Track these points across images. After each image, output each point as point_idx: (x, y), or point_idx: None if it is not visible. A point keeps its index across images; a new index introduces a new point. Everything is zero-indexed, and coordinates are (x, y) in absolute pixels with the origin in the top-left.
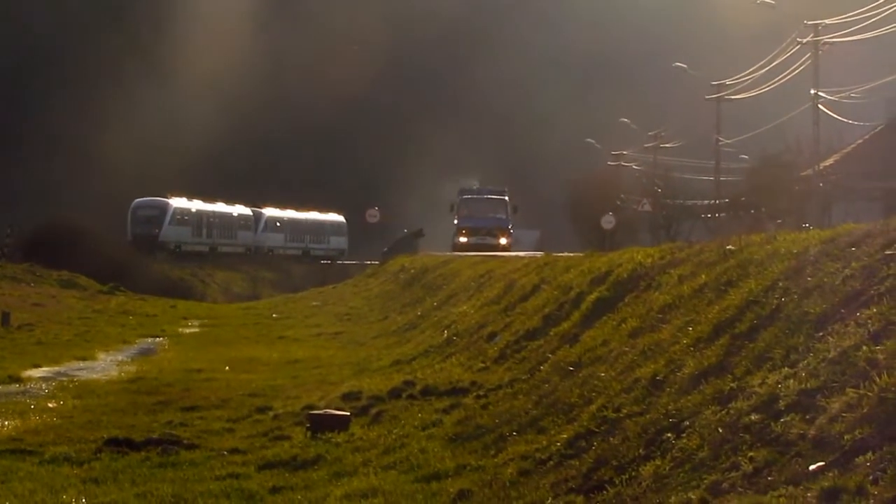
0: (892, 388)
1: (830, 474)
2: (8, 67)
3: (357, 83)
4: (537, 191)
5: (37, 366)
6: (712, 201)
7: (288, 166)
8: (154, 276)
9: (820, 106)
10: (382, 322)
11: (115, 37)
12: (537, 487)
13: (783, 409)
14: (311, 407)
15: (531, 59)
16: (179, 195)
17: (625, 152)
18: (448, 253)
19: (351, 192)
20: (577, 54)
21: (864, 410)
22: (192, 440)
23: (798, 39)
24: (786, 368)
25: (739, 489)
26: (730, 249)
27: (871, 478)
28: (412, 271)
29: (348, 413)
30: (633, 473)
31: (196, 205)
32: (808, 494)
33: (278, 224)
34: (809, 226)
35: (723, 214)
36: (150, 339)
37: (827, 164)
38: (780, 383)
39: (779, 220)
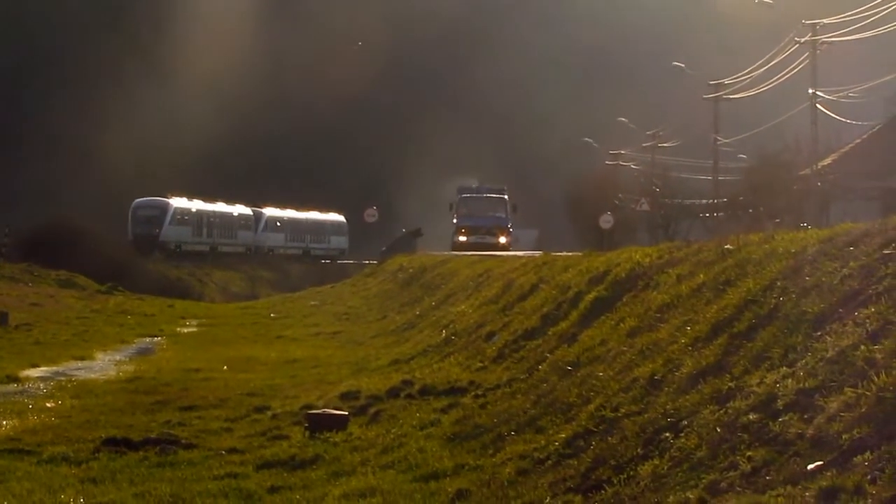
0: (891, 388)
1: (829, 474)
2: (8, 67)
3: (357, 83)
4: (537, 190)
5: (35, 365)
6: (710, 201)
7: (288, 166)
8: (152, 275)
9: (818, 105)
10: (381, 321)
11: (115, 37)
12: (536, 487)
13: (781, 408)
14: (310, 406)
15: (531, 58)
16: (180, 195)
17: (623, 152)
18: (446, 252)
19: (351, 191)
20: (577, 54)
21: (863, 410)
22: (190, 440)
23: (796, 39)
24: (784, 368)
25: (738, 489)
26: (728, 249)
27: (869, 477)
28: (410, 271)
29: (346, 413)
30: (632, 473)
31: (196, 205)
32: (807, 494)
33: (279, 224)
34: (807, 225)
35: (721, 214)
36: (148, 339)
37: (825, 163)
38: (778, 383)
39: (777, 220)
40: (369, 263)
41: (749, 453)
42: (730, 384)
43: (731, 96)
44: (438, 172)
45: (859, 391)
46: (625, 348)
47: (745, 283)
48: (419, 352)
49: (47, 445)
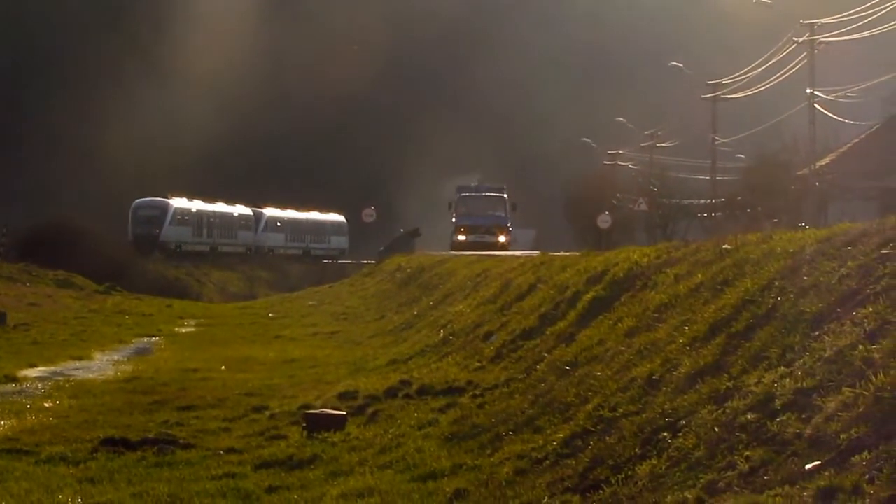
0: (889, 388)
1: (826, 473)
2: (8, 67)
3: (357, 83)
4: (536, 190)
5: (33, 365)
6: (708, 200)
7: (288, 166)
8: (150, 275)
9: (816, 105)
10: (379, 321)
11: (115, 37)
12: (533, 487)
13: (779, 408)
14: (308, 406)
15: (530, 58)
16: (180, 195)
17: (621, 151)
18: (445, 252)
19: (351, 191)
20: (576, 54)
21: (861, 410)
22: (188, 440)
23: (794, 39)
24: (782, 368)
25: (735, 488)
26: (726, 249)
27: (867, 477)
28: (408, 271)
29: (344, 412)
30: (630, 473)
31: (196, 205)
32: (805, 494)
33: (279, 224)
34: (805, 225)
35: (719, 214)
36: (146, 339)
37: (823, 163)
38: (776, 382)
39: (775, 220)
40: (367, 263)
41: (747, 453)
42: (728, 384)
43: (730, 96)
44: (438, 172)
45: (857, 391)
46: (623, 348)
47: (743, 283)
48: (417, 352)
49: (45, 445)
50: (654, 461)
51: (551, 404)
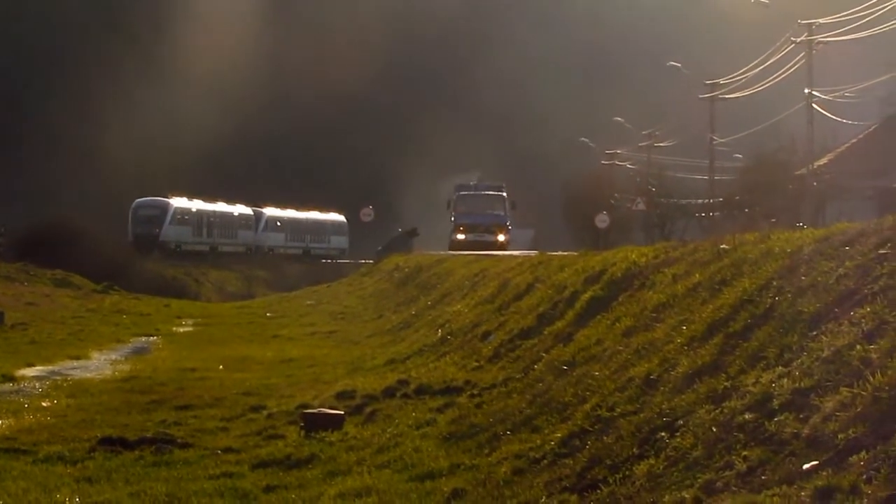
0: (886, 388)
1: (824, 473)
2: (8, 67)
3: (357, 83)
4: (536, 190)
5: (30, 365)
6: (706, 200)
7: (288, 166)
8: (148, 275)
9: (814, 105)
10: (377, 321)
11: (115, 37)
12: (531, 486)
13: (777, 408)
14: (305, 406)
15: (530, 58)
16: (180, 195)
17: (619, 151)
18: (442, 252)
19: (351, 191)
20: (576, 54)
21: (858, 409)
22: (185, 439)
23: (792, 39)
24: (780, 367)
25: (733, 488)
26: (724, 248)
27: (864, 477)
28: (406, 270)
29: (342, 412)
30: (627, 472)
31: (196, 204)
32: (802, 493)
33: (279, 224)
34: (803, 225)
35: (717, 213)
36: (143, 339)
37: (821, 163)
38: (773, 382)
39: (773, 219)
40: (365, 263)
41: (745, 453)
42: (725, 384)
43: (727, 96)
44: (438, 172)
45: (855, 391)
46: (621, 348)
47: (740, 283)
48: (415, 351)
49: (43, 445)
50: (651, 461)
51: (549, 404)
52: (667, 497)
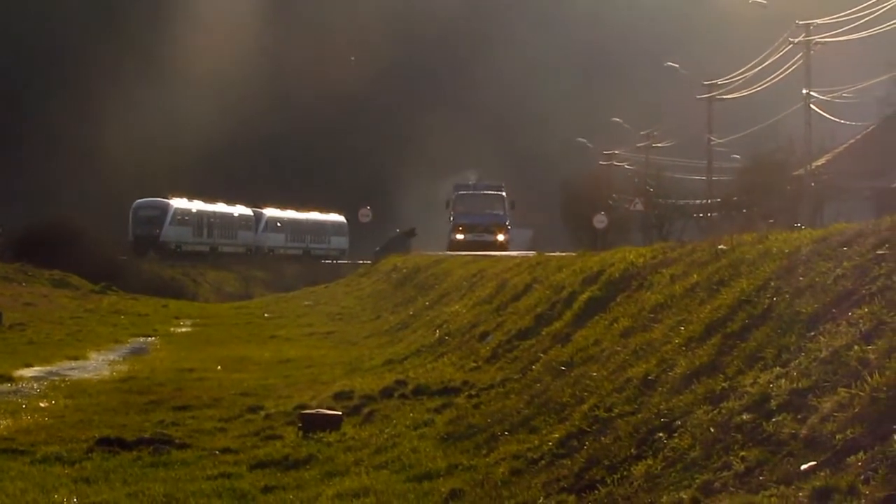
0: (884, 388)
1: (822, 474)
2: (8, 67)
3: (357, 83)
4: (536, 190)
5: (28, 365)
6: (704, 201)
7: (288, 166)
8: (146, 275)
9: (812, 106)
10: (374, 321)
11: (115, 37)
12: (529, 487)
13: (775, 408)
14: (303, 406)
15: (530, 58)
16: (180, 195)
17: (617, 152)
18: (440, 252)
19: (351, 191)
20: (575, 54)
21: (856, 410)
22: (183, 440)
23: (790, 39)
24: (777, 368)
25: (731, 489)
26: (721, 249)
27: (862, 477)
28: (404, 271)
29: (340, 412)
30: (625, 473)
31: (196, 205)
32: (800, 494)
33: (279, 224)
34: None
35: (715, 214)
36: (141, 339)
37: (819, 163)
38: (771, 383)
39: (771, 220)
40: (363, 263)
41: (742, 453)
42: (723, 384)
43: (725, 96)
44: (437, 172)
45: (853, 391)
46: (618, 348)
47: (738, 284)
48: (413, 352)
49: (41, 445)
50: (649, 461)
51: (547, 404)
52: (665, 497)
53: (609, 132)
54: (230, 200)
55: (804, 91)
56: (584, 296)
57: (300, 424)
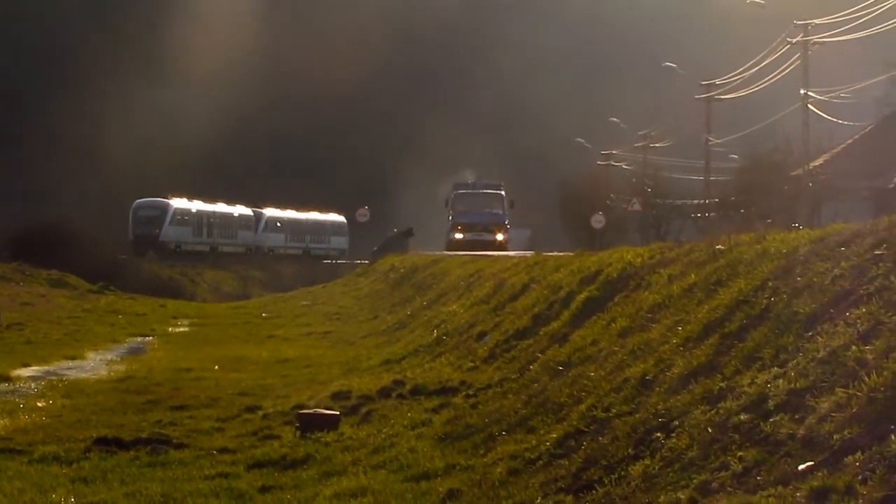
0: (882, 388)
1: (820, 474)
2: (8, 67)
3: (356, 83)
4: (536, 190)
5: (26, 365)
6: (702, 201)
7: (288, 166)
8: (144, 275)
9: (810, 106)
10: (372, 321)
11: (115, 37)
12: (527, 487)
13: (772, 408)
14: (301, 406)
15: (529, 58)
16: (180, 195)
17: (615, 152)
18: (438, 252)
19: (351, 191)
20: (575, 53)
21: (854, 410)
22: (181, 439)
23: (788, 39)
24: (775, 368)
25: (729, 489)
26: (719, 249)
27: (860, 478)
28: (402, 270)
29: (338, 412)
30: (623, 473)
31: (196, 205)
32: (798, 494)
33: (279, 224)
34: (799, 225)
35: (712, 214)
36: (139, 339)
37: (816, 163)
38: (769, 383)
39: (768, 220)
40: (361, 263)
41: (740, 453)
42: (721, 384)
43: (724, 97)
44: (437, 172)
45: (850, 391)
46: (616, 348)
47: (736, 284)
48: (410, 352)
49: (38, 445)
50: (647, 461)
51: (545, 404)
52: (662, 498)
53: (609, 132)
54: (230, 200)
55: (802, 91)
56: (582, 296)
57: (298, 424)
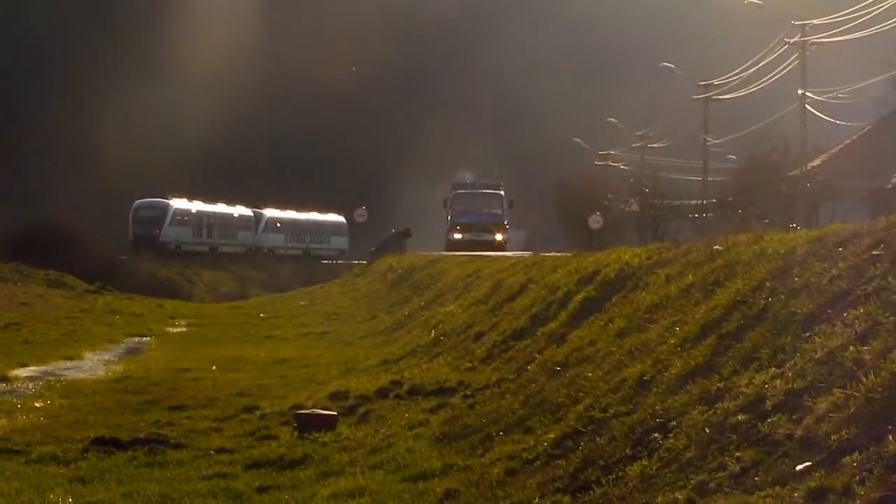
0: (879, 389)
1: (817, 474)
2: (7, 67)
3: (356, 83)
4: (536, 190)
5: (24, 365)
6: (700, 201)
7: (288, 166)
8: (141, 275)
9: (807, 106)
10: (370, 321)
11: (114, 37)
12: (524, 487)
13: (770, 409)
14: (299, 406)
15: (528, 58)
16: (180, 196)
17: (612, 152)
18: (436, 252)
19: (351, 191)
20: (574, 53)
21: (851, 410)
22: (178, 440)
23: (786, 39)
24: (773, 368)
25: (726, 489)
26: (717, 249)
27: (857, 478)
28: (399, 271)
29: (335, 413)
30: (620, 473)
31: (196, 205)
32: (795, 495)
33: (279, 224)
34: (797, 226)
35: (710, 214)
36: (137, 339)
37: (814, 164)
38: (767, 383)
39: (766, 220)
40: (359, 263)
41: (738, 454)
42: (718, 385)
43: (721, 97)
44: (436, 172)
45: (848, 392)
46: (614, 349)
47: (734, 284)
48: (408, 352)
49: (36, 445)
50: (644, 462)
51: (542, 405)
52: (660, 498)
53: (608, 132)
54: (230, 200)
55: (800, 91)
56: (580, 296)
57: (295, 424)
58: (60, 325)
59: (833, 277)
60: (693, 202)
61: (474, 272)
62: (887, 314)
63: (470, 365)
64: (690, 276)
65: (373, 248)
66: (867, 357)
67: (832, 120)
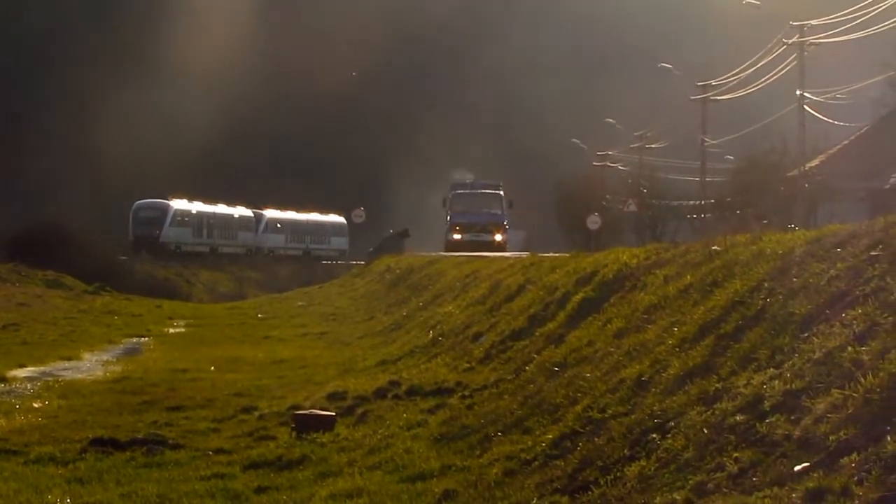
0: (877, 389)
1: (815, 475)
2: (6, 67)
3: (355, 83)
4: (535, 190)
5: (22, 366)
6: (698, 202)
7: (288, 166)
8: (140, 276)
9: (806, 107)
10: (368, 322)
11: (113, 37)
12: (522, 488)
13: (768, 409)
14: (297, 407)
15: (527, 58)
16: (180, 196)
17: (610, 152)
18: (434, 253)
19: (351, 192)
20: (573, 53)
21: (850, 411)
22: (177, 440)
23: (784, 40)
24: (771, 369)
25: (724, 490)
26: (715, 250)
27: (855, 478)
28: (398, 271)
29: (333, 413)
30: (618, 474)
31: (196, 206)
32: (793, 495)
33: (279, 225)
34: (795, 226)
35: (708, 215)
36: (135, 339)
37: (813, 164)
38: (765, 384)
39: (764, 221)
40: (357, 264)
41: (736, 454)
42: (717, 385)
43: (719, 97)
44: (436, 172)
45: (846, 392)
46: (612, 349)
47: (732, 285)
48: (406, 352)
49: (34, 445)
50: (642, 462)
51: (540, 405)
52: (658, 498)
53: (607, 132)
54: (230, 201)
55: (798, 92)
56: (578, 297)
57: (294, 425)
58: (59, 326)
59: (831, 278)
60: (691, 203)
61: (472, 273)
62: (885, 315)
63: (468, 365)
64: (689, 277)
65: (371, 249)
66: (865, 358)
67: (830, 120)
